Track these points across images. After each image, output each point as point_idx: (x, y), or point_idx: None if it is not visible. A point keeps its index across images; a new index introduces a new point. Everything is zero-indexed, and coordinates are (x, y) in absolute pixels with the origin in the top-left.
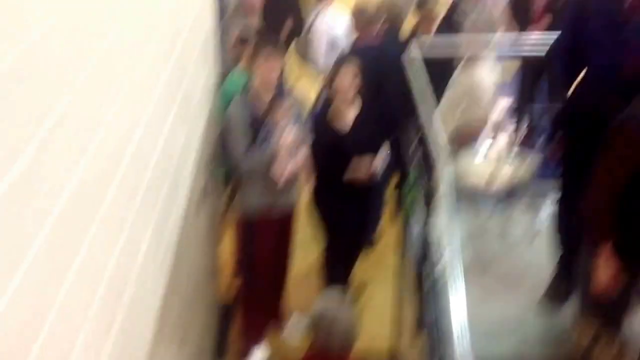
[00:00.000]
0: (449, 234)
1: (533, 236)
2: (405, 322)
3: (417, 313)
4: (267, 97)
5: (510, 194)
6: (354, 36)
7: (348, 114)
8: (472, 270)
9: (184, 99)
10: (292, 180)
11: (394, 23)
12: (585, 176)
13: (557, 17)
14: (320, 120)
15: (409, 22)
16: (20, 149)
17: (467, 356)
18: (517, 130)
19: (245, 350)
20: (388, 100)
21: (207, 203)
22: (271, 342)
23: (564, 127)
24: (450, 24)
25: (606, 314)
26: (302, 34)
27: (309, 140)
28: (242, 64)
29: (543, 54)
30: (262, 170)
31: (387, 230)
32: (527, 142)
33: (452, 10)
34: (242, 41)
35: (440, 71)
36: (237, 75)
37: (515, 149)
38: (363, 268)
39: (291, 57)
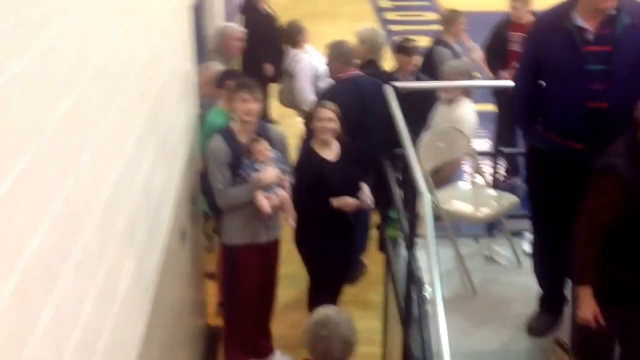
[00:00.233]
0: (433, 265)
1: (517, 264)
2: (391, 355)
3: (403, 345)
4: (247, 136)
5: (493, 226)
6: (331, 74)
7: (330, 150)
8: (458, 299)
9: (163, 138)
10: (273, 216)
11: (371, 60)
12: (554, 218)
13: None
14: (306, 152)
15: (388, 64)
16: None
17: None
18: (495, 170)
19: None
20: (368, 135)
21: (189, 237)
22: None
23: (531, 167)
24: (429, 67)
25: (589, 355)
26: (283, 79)
27: (292, 177)
28: (221, 104)
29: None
30: (242, 205)
31: (373, 265)
32: (507, 179)
33: (430, 54)
34: (221, 82)
35: (420, 107)
36: (217, 113)
37: (495, 184)
38: (347, 302)
39: (274, 99)
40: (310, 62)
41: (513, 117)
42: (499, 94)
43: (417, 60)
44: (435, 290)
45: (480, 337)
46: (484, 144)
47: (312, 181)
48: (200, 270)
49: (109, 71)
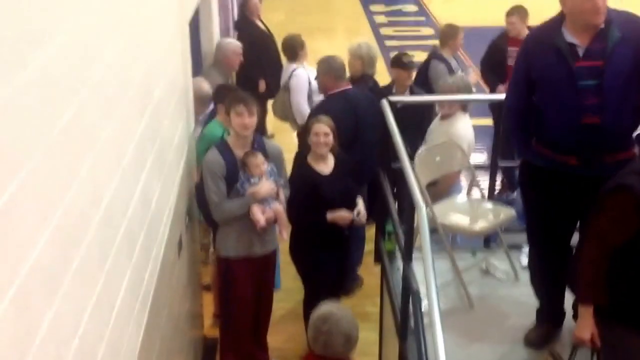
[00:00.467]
0: (429, 278)
1: (515, 276)
2: None
3: (399, 357)
4: (243, 150)
5: (490, 239)
6: (320, 89)
7: (325, 164)
8: (455, 312)
9: (160, 151)
10: (269, 226)
11: (366, 74)
12: (549, 230)
13: None
14: (301, 165)
15: (383, 78)
16: None
17: None
18: (491, 184)
19: None
20: (362, 148)
21: (185, 249)
22: None
23: (525, 182)
24: (424, 81)
25: None
26: (279, 93)
27: (288, 190)
28: (218, 117)
29: None
30: (236, 219)
31: (368, 277)
32: (504, 192)
33: (426, 68)
34: (218, 96)
35: (416, 121)
36: (215, 126)
37: (491, 198)
38: None
39: (269, 113)
40: (307, 77)
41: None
42: (496, 108)
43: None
44: (432, 302)
45: (477, 350)
46: (481, 158)
47: (306, 195)
48: (196, 282)
49: (108, 85)
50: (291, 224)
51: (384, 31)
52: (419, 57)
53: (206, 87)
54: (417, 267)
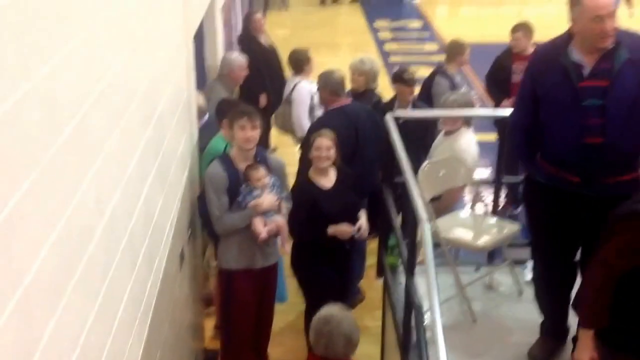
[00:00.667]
0: (432, 292)
1: (518, 292)
2: None
3: None
4: (245, 162)
5: (493, 254)
6: (321, 103)
7: (327, 177)
8: (458, 327)
9: (163, 163)
10: (271, 239)
11: (368, 89)
12: (552, 246)
13: None
14: (302, 181)
15: (387, 93)
16: None
17: None
18: (496, 196)
19: None
20: (362, 163)
21: (187, 261)
22: None
23: (529, 198)
24: (428, 96)
25: None
26: (281, 105)
27: (290, 203)
28: (222, 131)
29: None
30: (239, 231)
31: (370, 290)
32: (507, 208)
33: (430, 83)
34: (220, 111)
35: (419, 136)
36: (218, 141)
37: (495, 213)
38: None
39: (272, 126)
40: (310, 91)
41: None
42: (500, 123)
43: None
44: (434, 317)
45: None
46: (485, 173)
47: (308, 209)
48: (197, 294)
49: (112, 96)
50: (292, 238)
51: (388, 47)
52: (423, 72)
53: (200, 100)
54: (419, 282)
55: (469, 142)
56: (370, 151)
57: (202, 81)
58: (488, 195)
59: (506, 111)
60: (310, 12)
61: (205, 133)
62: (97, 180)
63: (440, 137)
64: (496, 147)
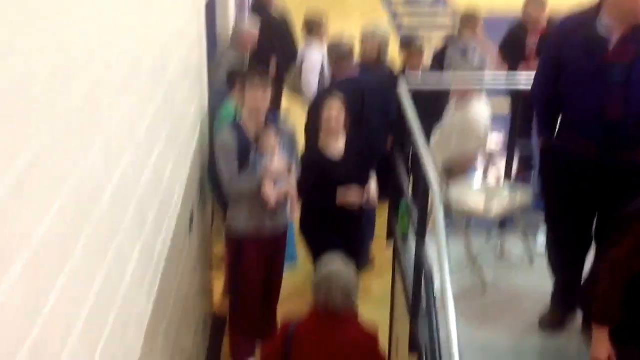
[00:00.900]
0: (442, 259)
1: (530, 261)
2: (398, 345)
3: (410, 336)
4: (255, 126)
5: (505, 222)
6: (333, 69)
7: (337, 144)
8: (468, 295)
9: (173, 128)
10: (280, 204)
11: (380, 59)
12: (567, 216)
13: None
14: (311, 149)
15: (397, 59)
16: (7, 163)
17: None
18: (508, 164)
19: None
20: (372, 129)
21: (196, 225)
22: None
23: (546, 166)
24: (440, 65)
25: None
26: (293, 67)
27: (299, 168)
28: (233, 94)
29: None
30: (248, 195)
31: (379, 256)
32: (520, 176)
33: (442, 53)
34: (234, 73)
35: (433, 101)
36: (230, 105)
37: (508, 181)
38: None
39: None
40: (321, 56)
41: (527, 114)
42: (513, 91)
43: (425, 58)
44: (444, 283)
45: (490, 333)
46: (497, 141)
47: (317, 176)
48: (206, 258)
49: (123, 61)
50: (302, 202)
51: (401, 18)
52: (436, 43)
53: None
54: (430, 249)
55: (481, 109)
56: (376, 121)
57: (213, 49)
58: (500, 163)
59: (514, 81)
60: None
61: (215, 100)
62: (107, 143)
63: (452, 104)
64: (509, 115)
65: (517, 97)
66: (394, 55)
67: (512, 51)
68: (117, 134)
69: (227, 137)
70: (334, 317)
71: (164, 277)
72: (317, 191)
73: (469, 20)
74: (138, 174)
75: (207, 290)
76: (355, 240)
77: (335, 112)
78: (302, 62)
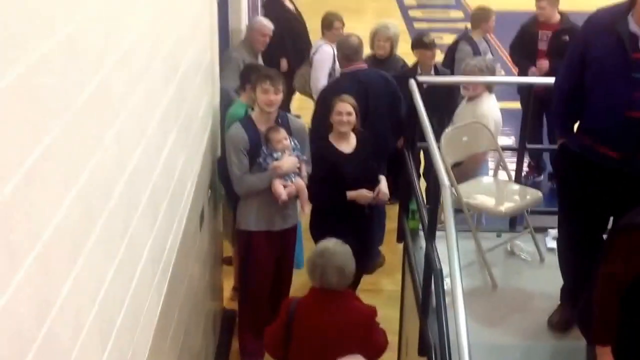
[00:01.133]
0: (452, 257)
1: (540, 260)
2: (407, 344)
3: (420, 335)
4: (266, 123)
5: (515, 221)
6: (342, 67)
7: (347, 143)
8: (478, 293)
9: (184, 123)
10: (289, 203)
11: (393, 55)
12: (581, 217)
13: (558, 60)
14: (321, 143)
15: (409, 60)
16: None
17: None
18: (519, 163)
19: None
20: (374, 128)
21: (207, 222)
22: None
23: (563, 168)
24: (452, 62)
25: None
26: (303, 66)
27: (310, 167)
28: (243, 97)
29: (543, 93)
30: (257, 193)
31: (389, 255)
32: (530, 177)
33: (454, 49)
34: (244, 76)
35: (444, 101)
36: (239, 106)
37: (518, 179)
38: (364, 291)
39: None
40: (332, 54)
41: (538, 114)
42: (523, 91)
43: (437, 55)
44: (454, 281)
45: (500, 331)
46: (508, 140)
47: (328, 173)
48: (216, 254)
49: (135, 55)
50: (312, 201)
51: (413, 13)
52: (448, 40)
53: None
54: (440, 247)
55: (491, 107)
56: (381, 118)
57: (225, 45)
58: (511, 163)
59: (525, 79)
60: None
61: (226, 97)
62: (119, 137)
63: (463, 102)
64: (519, 114)
65: (527, 96)
66: (405, 53)
67: (525, 48)
68: (129, 130)
69: (237, 133)
70: (331, 293)
71: (174, 273)
72: (328, 188)
73: (480, 16)
74: (149, 171)
75: (217, 286)
76: (365, 239)
77: (347, 111)
78: (312, 61)
